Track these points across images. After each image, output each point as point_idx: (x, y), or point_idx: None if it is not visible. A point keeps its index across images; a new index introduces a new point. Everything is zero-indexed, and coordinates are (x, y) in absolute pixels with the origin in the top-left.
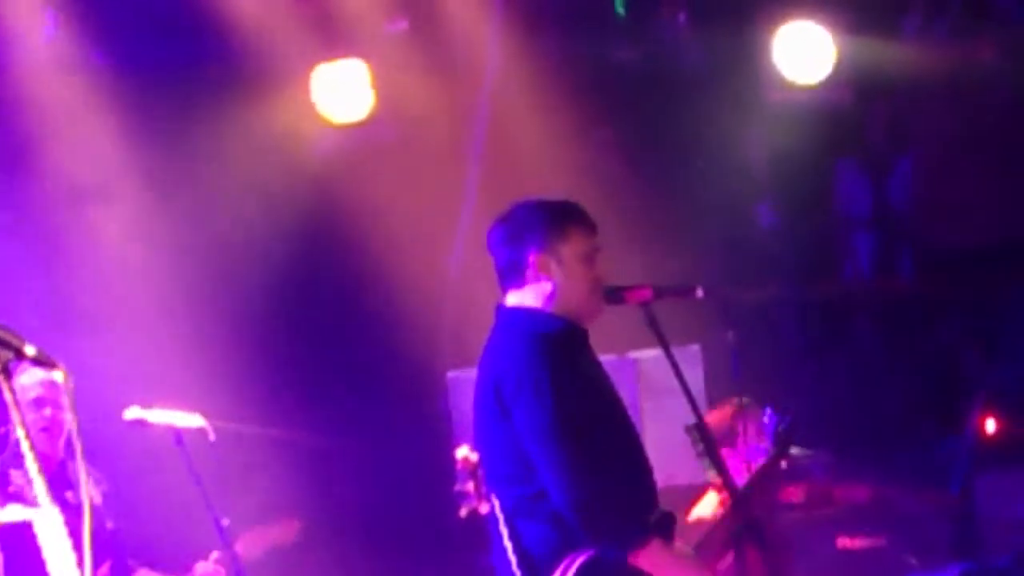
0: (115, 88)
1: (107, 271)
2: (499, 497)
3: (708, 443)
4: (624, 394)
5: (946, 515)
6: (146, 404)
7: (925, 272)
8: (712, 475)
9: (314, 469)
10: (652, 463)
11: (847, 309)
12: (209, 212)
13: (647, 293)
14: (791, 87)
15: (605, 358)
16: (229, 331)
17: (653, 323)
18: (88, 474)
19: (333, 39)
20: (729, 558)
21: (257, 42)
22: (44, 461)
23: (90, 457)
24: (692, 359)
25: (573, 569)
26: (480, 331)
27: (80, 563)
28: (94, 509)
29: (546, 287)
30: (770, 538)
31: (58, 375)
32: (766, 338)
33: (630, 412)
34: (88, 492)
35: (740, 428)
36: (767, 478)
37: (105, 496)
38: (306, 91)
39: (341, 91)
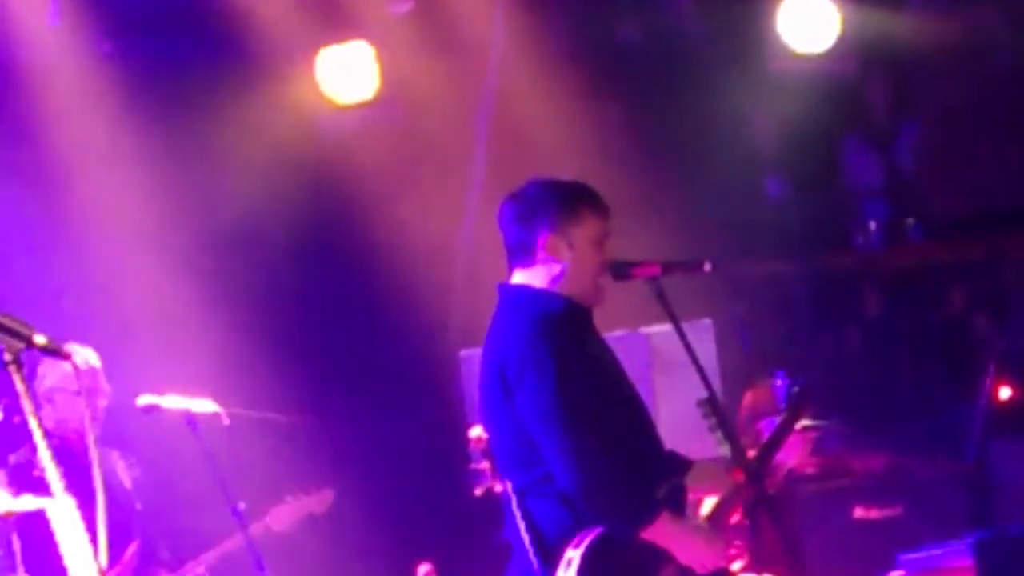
0: (119, 76)
1: (115, 260)
2: (509, 478)
3: (720, 417)
4: (636, 369)
5: (961, 483)
6: (159, 391)
7: (934, 240)
8: (725, 449)
9: (329, 452)
10: (666, 438)
11: (858, 279)
12: (216, 197)
13: (655, 269)
14: (796, 58)
15: (617, 333)
16: (239, 317)
17: (662, 298)
18: (122, 457)
19: (337, 21)
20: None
21: (262, 26)
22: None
23: (116, 443)
24: (704, 333)
25: (583, 546)
26: (491, 309)
27: (96, 550)
28: (124, 491)
29: (555, 268)
30: (784, 510)
31: (67, 365)
32: (777, 311)
33: (642, 387)
34: (121, 474)
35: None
36: (780, 442)
37: (135, 480)
38: (312, 74)
39: (347, 73)
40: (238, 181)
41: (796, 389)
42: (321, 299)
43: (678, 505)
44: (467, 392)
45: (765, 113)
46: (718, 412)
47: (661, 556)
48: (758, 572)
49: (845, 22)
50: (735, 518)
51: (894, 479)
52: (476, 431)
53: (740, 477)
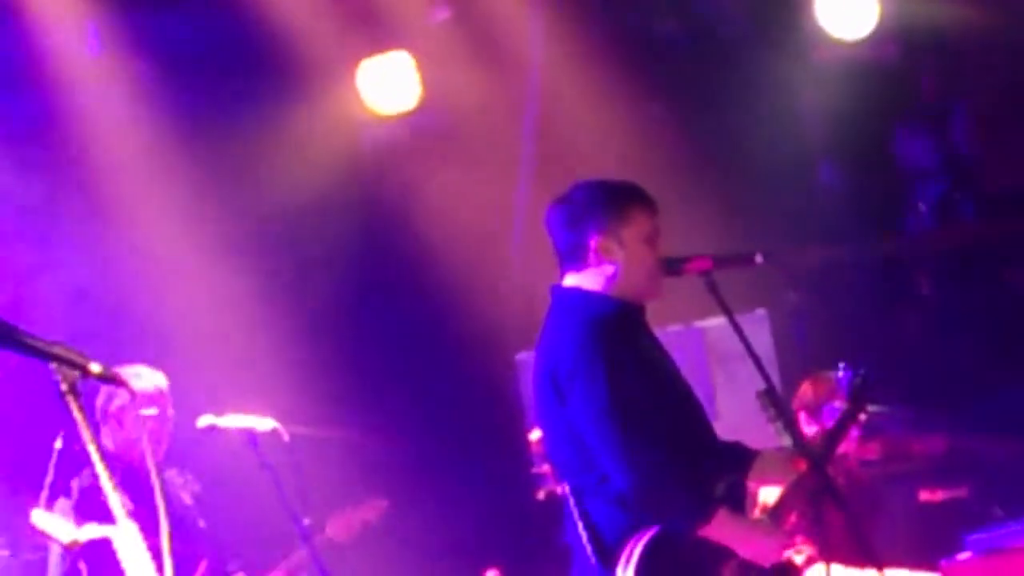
0: (161, 99)
1: (166, 281)
2: (566, 480)
3: (779, 407)
4: (693, 364)
5: None
6: (217, 411)
7: (988, 217)
8: (786, 440)
9: (389, 462)
10: (726, 431)
11: (912, 261)
12: (265, 213)
13: (707, 263)
14: (837, 44)
15: (672, 329)
16: (292, 331)
17: (715, 291)
18: (180, 474)
19: (377, 32)
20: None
21: (302, 40)
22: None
23: (175, 460)
24: (759, 323)
25: (641, 546)
26: (545, 311)
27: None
28: (187, 510)
29: (608, 270)
30: (851, 497)
31: (124, 392)
32: (832, 297)
33: (700, 381)
34: (178, 494)
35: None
36: (843, 433)
37: (195, 497)
38: (353, 86)
39: (388, 83)
40: (286, 196)
41: (858, 380)
42: (374, 310)
43: (737, 501)
44: (525, 395)
45: (810, 101)
46: (777, 403)
47: (721, 553)
48: (826, 561)
49: (884, 7)
50: (799, 508)
51: (957, 460)
52: (536, 434)
53: (803, 466)
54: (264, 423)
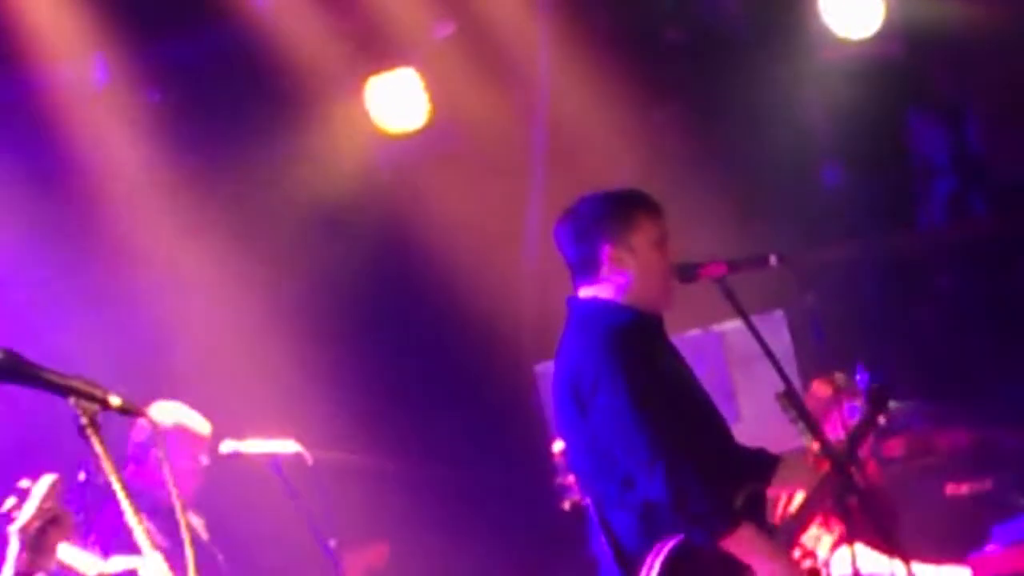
0: (170, 123)
1: (183, 311)
2: (588, 490)
3: (800, 409)
4: (713, 368)
5: None
6: (239, 436)
7: (1000, 210)
8: (808, 440)
9: (413, 475)
10: (748, 433)
11: (926, 257)
12: (276, 236)
13: (721, 268)
14: (843, 44)
15: (690, 334)
16: (309, 353)
17: (731, 296)
18: (195, 512)
19: (381, 50)
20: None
21: (308, 62)
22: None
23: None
24: (776, 325)
25: (663, 556)
26: (562, 321)
27: None
28: (203, 544)
29: (622, 279)
30: (875, 496)
31: (144, 422)
32: (849, 295)
33: (720, 385)
34: (195, 530)
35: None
36: (864, 435)
37: (208, 529)
38: (361, 105)
39: (396, 101)
40: (299, 218)
41: (876, 385)
42: (390, 328)
43: (758, 511)
44: (546, 406)
45: (817, 101)
46: (797, 404)
47: (740, 568)
48: (852, 543)
49: (889, 5)
50: (824, 509)
51: (982, 453)
52: (558, 445)
53: (826, 467)
54: (287, 447)
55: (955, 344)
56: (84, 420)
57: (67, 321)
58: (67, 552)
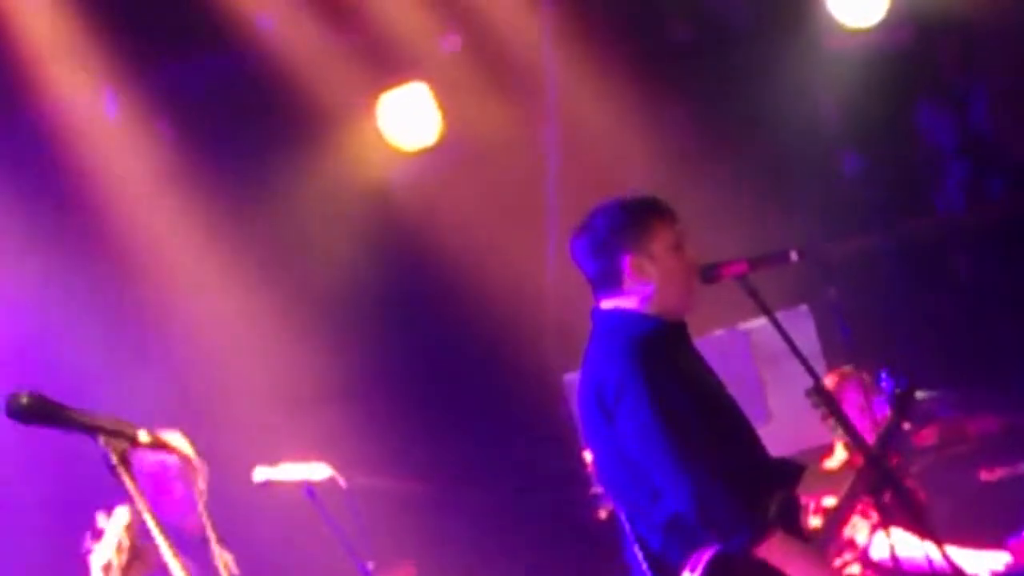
0: (182, 153)
1: (201, 339)
2: (618, 501)
3: (830, 404)
4: (741, 366)
5: None
6: (272, 462)
7: (1017, 193)
8: (839, 434)
9: (443, 492)
10: (778, 431)
11: (945, 243)
12: (294, 258)
13: (742, 266)
14: (850, 33)
15: (716, 334)
16: (334, 376)
17: (754, 294)
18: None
19: (392, 66)
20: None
21: (317, 82)
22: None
23: (223, 525)
24: (802, 319)
25: (701, 566)
26: (587, 329)
27: None
28: None
29: (644, 288)
30: (908, 489)
31: (173, 458)
32: (871, 286)
33: (749, 383)
34: (227, 564)
35: (845, 396)
36: (890, 442)
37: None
38: (374, 123)
39: (408, 117)
40: (317, 240)
41: (900, 390)
42: (412, 345)
43: (790, 518)
44: (576, 416)
45: (828, 91)
46: (827, 399)
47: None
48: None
49: None
50: (861, 504)
51: (1012, 438)
52: (590, 455)
53: (860, 461)
54: (320, 471)
55: (979, 329)
56: (114, 459)
57: (88, 355)
58: None
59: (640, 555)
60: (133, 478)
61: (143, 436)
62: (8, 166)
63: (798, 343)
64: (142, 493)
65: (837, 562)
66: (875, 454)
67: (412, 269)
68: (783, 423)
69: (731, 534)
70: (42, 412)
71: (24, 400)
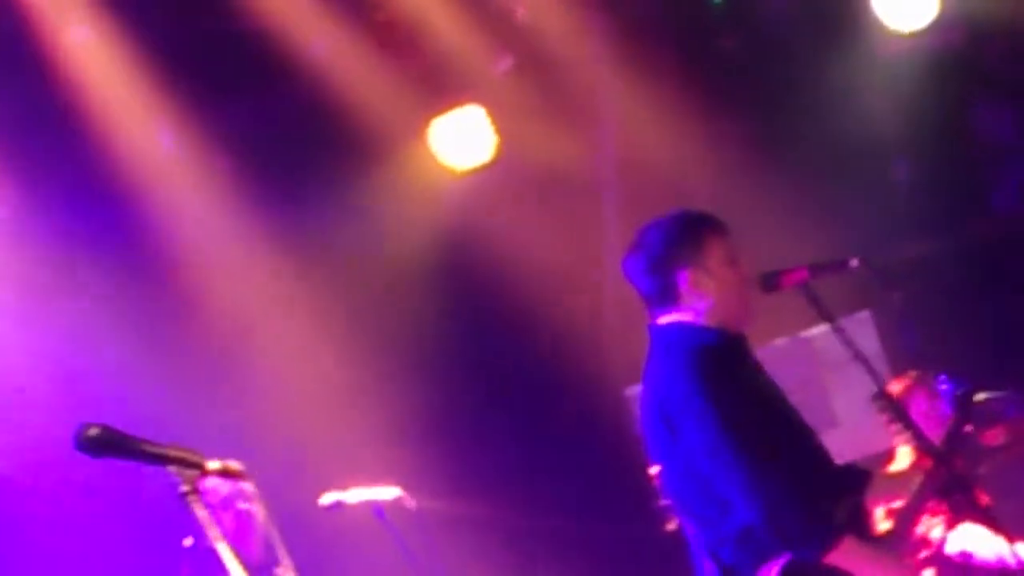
0: (242, 184)
1: (268, 368)
2: (686, 514)
3: (895, 408)
4: (805, 374)
5: None
6: (340, 487)
7: None
8: (903, 438)
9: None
10: (845, 437)
11: (1006, 243)
12: (355, 285)
13: (803, 274)
14: (900, 37)
15: (778, 342)
16: (397, 400)
17: (816, 302)
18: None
19: (445, 89)
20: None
21: (372, 108)
22: (259, 565)
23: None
24: (864, 325)
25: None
26: (646, 342)
27: None
28: None
29: (703, 302)
30: (976, 490)
31: (246, 484)
32: (932, 289)
33: (813, 391)
34: None
35: (910, 400)
36: (953, 449)
37: None
38: (428, 147)
39: (463, 138)
40: (374, 265)
41: (960, 393)
42: (474, 367)
43: (860, 524)
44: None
45: (881, 97)
46: (892, 404)
47: None
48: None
49: None
50: (931, 506)
51: None
52: (655, 468)
53: (928, 463)
54: (388, 492)
55: None
56: (185, 488)
57: (156, 386)
58: None
59: (711, 568)
60: (204, 506)
61: (212, 464)
62: (69, 199)
63: (861, 349)
64: (212, 521)
65: (910, 562)
66: (943, 455)
67: (470, 289)
68: (847, 429)
69: (803, 542)
70: (112, 444)
71: (94, 433)
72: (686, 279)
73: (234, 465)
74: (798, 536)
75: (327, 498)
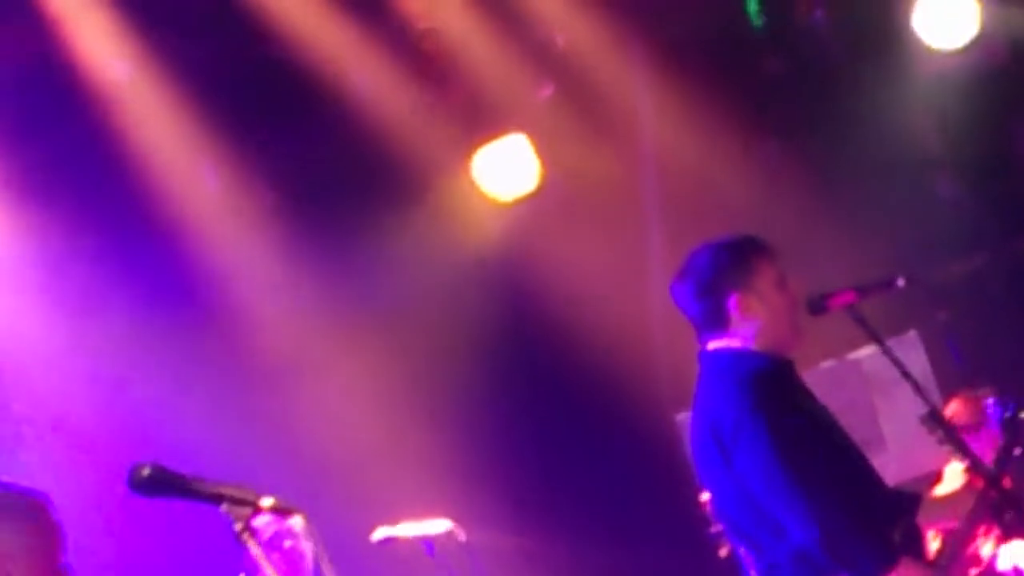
0: (287, 221)
1: (318, 401)
2: (739, 539)
3: (946, 429)
4: (854, 396)
5: None
6: (392, 520)
7: None
8: (958, 459)
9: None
10: (896, 459)
11: None
12: (403, 316)
13: (850, 296)
14: (942, 56)
15: (826, 365)
16: (449, 431)
17: (863, 323)
18: None
19: (488, 119)
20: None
21: (415, 144)
22: None
23: None
24: (912, 346)
25: None
26: (696, 368)
27: None
28: None
29: (752, 326)
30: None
31: (297, 520)
32: (979, 307)
33: (863, 413)
34: None
35: (960, 421)
36: (1005, 465)
37: None
38: (472, 178)
39: (506, 168)
40: (423, 296)
41: (1009, 415)
42: (520, 397)
43: (915, 545)
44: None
45: (925, 115)
46: (942, 424)
47: None
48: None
49: (985, 11)
50: (984, 527)
51: None
52: (706, 494)
53: (979, 483)
54: (438, 525)
55: None
56: (239, 526)
57: (206, 424)
58: None
59: None
60: (259, 544)
61: (266, 501)
62: (113, 239)
63: (909, 370)
64: (267, 559)
65: None
66: (994, 476)
67: (518, 317)
68: (899, 450)
69: (861, 565)
70: (164, 483)
71: (146, 472)
72: (736, 303)
73: (284, 502)
74: (856, 559)
75: (379, 533)
